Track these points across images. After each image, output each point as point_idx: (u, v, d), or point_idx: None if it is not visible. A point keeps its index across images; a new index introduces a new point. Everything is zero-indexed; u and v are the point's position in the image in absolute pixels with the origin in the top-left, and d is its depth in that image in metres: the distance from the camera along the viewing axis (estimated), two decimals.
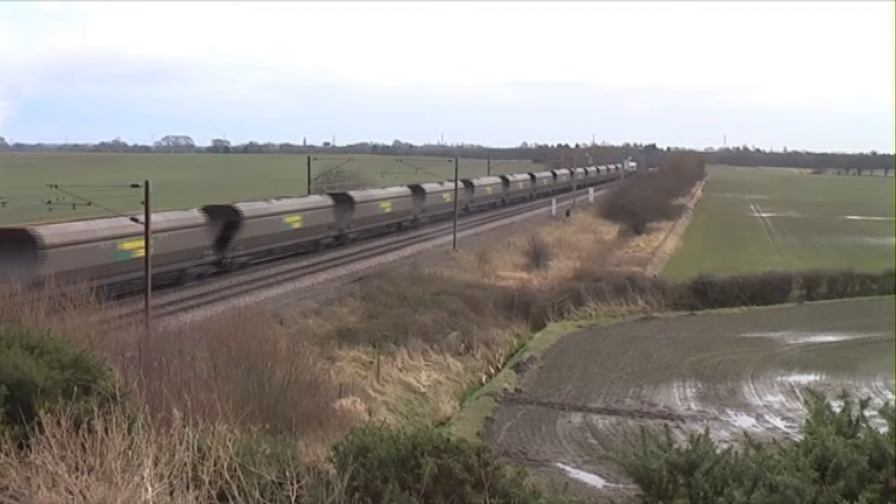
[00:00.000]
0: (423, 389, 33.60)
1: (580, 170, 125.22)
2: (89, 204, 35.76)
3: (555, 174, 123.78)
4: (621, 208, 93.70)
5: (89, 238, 37.96)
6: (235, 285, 44.41)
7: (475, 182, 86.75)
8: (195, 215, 46.46)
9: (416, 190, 73.40)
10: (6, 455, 8.33)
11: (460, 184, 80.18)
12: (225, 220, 48.54)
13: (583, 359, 38.91)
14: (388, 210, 66.76)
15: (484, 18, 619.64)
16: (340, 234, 59.68)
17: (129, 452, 8.13)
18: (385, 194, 68.43)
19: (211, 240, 46.55)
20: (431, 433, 9.65)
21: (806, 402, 11.46)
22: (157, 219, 41.01)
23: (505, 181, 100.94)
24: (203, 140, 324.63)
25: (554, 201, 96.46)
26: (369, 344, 36.03)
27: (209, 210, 47.66)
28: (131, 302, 34.02)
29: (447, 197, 77.33)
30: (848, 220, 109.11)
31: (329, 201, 59.10)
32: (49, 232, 36.18)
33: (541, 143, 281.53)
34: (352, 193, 63.32)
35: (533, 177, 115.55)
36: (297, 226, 54.23)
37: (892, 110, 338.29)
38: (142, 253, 38.41)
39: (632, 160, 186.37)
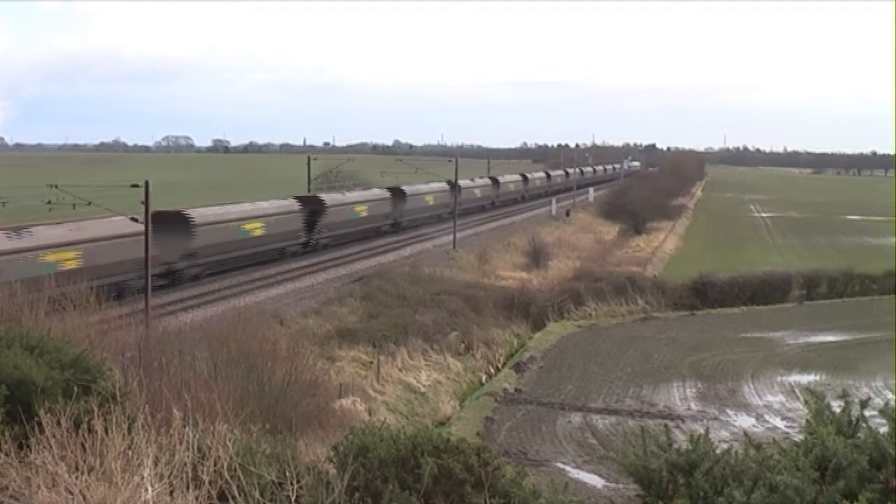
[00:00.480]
0: (423, 389, 33.60)
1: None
2: (89, 204, 35.75)
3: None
4: (621, 208, 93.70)
5: (223, 219, 46.18)
6: (235, 285, 44.39)
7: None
8: (292, 203, 53.72)
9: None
10: (6, 455, 8.33)
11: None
12: (311, 207, 55.05)
13: (583, 359, 38.91)
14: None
15: (484, 18, 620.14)
16: (395, 222, 67.05)
17: (129, 452, 8.13)
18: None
19: (302, 224, 53.28)
20: (431, 433, 9.65)
21: (806, 402, 11.46)
22: (265, 205, 51.39)
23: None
24: (203, 140, 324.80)
25: (554, 201, 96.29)
26: (369, 344, 36.02)
27: (300, 199, 55.11)
28: (131, 302, 34.05)
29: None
30: (848, 220, 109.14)
31: (387, 194, 65.94)
32: (197, 214, 44.56)
33: (541, 143, 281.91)
34: (404, 188, 67.93)
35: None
36: (364, 214, 62.51)
37: (892, 110, 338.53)
38: (259, 232, 49.03)
39: (632, 160, 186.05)
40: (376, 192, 67.53)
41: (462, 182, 77.57)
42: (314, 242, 55.93)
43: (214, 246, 45.44)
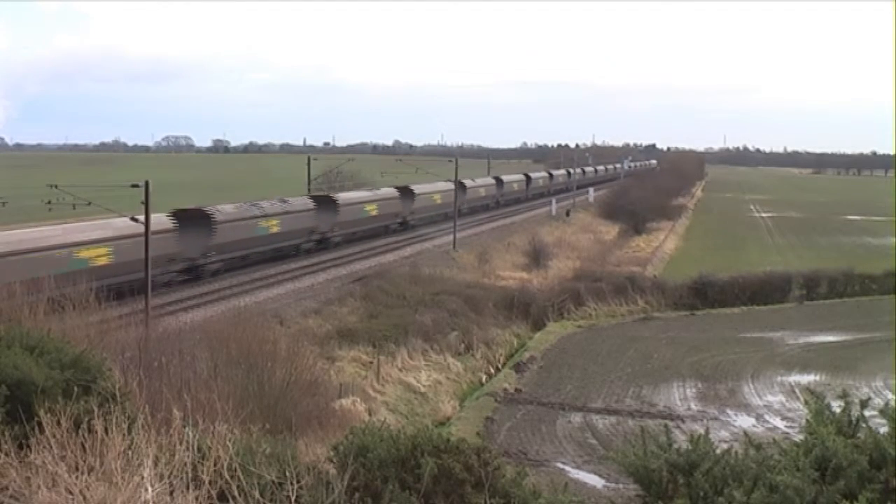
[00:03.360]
0: (423, 389, 33.59)
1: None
2: (89, 204, 35.76)
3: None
4: (621, 208, 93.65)
5: (242, 217, 48.94)
6: (236, 285, 44.41)
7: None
8: (307, 201, 56.94)
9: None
10: (6, 455, 8.32)
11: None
12: (325, 206, 57.54)
13: (583, 359, 38.90)
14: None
15: (484, 18, 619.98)
16: (404, 221, 68.80)
17: (129, 452, 8.12)
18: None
19: (317, 221, 56.05)
20: (431, 433, 9.64)
21: (806, 402, 11.45)
22: (282, 203, 54.05)
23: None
24: (203, 140, 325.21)
25: (554, 201, 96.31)
26: (369, 344, 36.01)
27: (315, 198, 58.18)
28: (131, 302, 34.04)
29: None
30: (848, 220, 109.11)
31: (396, 193, 67.67)
32: (217, 211, 47.29)
33: (541, 143, 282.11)
34: (413, 187, 69.76)
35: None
36: (374, 213, 64.76)
37: (892, 110, 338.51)
38: (276, 229, 51.95)
39: (631, 160, 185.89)
40: (386, 192, 68.78)
41: (467, 182, 79.75)
42: (327, 239, 58.17)
43: (234, 242, 47.64)
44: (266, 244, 51.37)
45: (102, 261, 38.24)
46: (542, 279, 55.64)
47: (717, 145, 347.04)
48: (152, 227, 37.24)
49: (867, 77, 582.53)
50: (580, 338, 43.55)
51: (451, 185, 77.12)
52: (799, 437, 10.98)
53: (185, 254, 44.07)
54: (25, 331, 11.20)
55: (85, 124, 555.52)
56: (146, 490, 7.64)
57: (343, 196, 62.49)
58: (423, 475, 8.74)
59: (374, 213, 65.04)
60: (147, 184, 32.85)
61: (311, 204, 57.15)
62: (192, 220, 45.43)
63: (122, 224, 39.17)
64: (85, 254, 37.53)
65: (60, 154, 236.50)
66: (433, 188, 75.89)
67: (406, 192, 70.84)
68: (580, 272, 56.81)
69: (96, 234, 39.02)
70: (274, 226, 51.85)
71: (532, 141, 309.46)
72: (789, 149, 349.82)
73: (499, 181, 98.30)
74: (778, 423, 29.60)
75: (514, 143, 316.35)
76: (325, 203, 58.19)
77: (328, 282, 47.87)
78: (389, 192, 69.18)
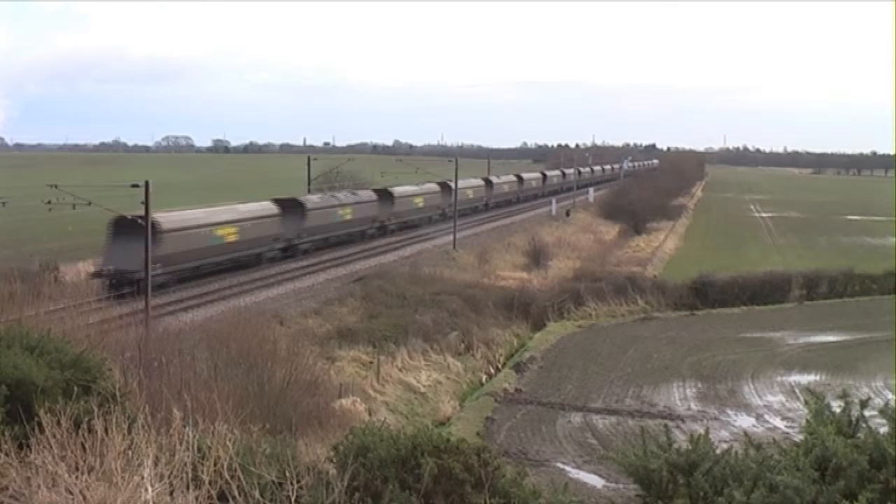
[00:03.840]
0: (423, 389, 33.58)
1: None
2: (89, 204, 35.72)
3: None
4: (621, 208, 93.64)
5: (326, 206, 58.15)
6: (235, 285, 44.39)
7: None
8: (371, 194, 65.71)
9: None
10: (6, 455, 8.32)
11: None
12: (383, 198, 66.15)
13: (583, 359, 38.90)
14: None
15: (484, 18, 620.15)
16: (382, 225, 68.18)
17: (129, 452, 8.12)
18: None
19: (378, 212, 64.69)
20: (431, 433, 9.64)
21: (806, 402, 11.43)
22: (343, 197, 61.99)
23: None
24: (203, 140, 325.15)
25: (554, 201, 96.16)
26: (369, 344, 36.00)
27: (376, 191, 66.76)
28: (131, 302, 34.06)
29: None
30: (848, 220, 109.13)
31: (374, 196, 67.57)
32: (308, 200, 56.74)
33: (541, 143, 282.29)
34: (392, 189, 69.66)
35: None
36: (421, 205, 73.48)
37: (892, 110, 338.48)
38: (349, 217, 60.71)
39: (631, 160, 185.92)
40: (362, 195, 65.14)
41: (453, 183, 73.75)
42: (385, 227, 65.88)
43: (319, 227, 56.18)
44: (341, 229, 59.67)
45: (232, 238, 46.85)
46: (542, 279, 55.63)
47: (717, 145, 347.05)
48: (263, 212, 51.35)
49: (867, 77, 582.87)
50: (580, 338, 43.55)
51: (436, 187, 76.35)
52: (799, 437, 10.96)
53: (285, 235, 52.46)
54: (25, 331, 11.20)
55: (85, 124, 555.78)
56: (146, 490, 7.64)
57: (398, 189, 70.50)
58: (423, 475, 8.74)
59: (349, 217, 61.55)
60: (147, 184, 32.86)
61: (374, 196, 65.39)
62: (290, 207, 53.52)
63: (244, 209, 49.56)
64: (220, 232, 46.13)
65: (60, 154, 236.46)
66: (415, 190, 72.94)
67: (385, 196, 67.29)
68: (580, 272, 56.80)
69: (226, 216, 47.60)
70: (348, 214, 60.38)
71: (532, 141, 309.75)
72: (789, 149, 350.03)
73: (488, 182, 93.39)
74: (778, 423, 29.62)
75: (514, 143, 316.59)
76: (384, 196, 66.80)
77: (328, 282, 47.87)
78: (366, 195, 65.60)
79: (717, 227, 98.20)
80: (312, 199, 57.46)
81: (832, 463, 9.20)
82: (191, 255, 43.22)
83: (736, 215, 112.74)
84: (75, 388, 9.44)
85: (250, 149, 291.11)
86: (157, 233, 39.53)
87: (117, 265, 39.28)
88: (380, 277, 48.06)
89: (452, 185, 72.02)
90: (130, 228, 36.80)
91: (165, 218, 42.11)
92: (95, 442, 8.15)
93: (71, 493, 7.69)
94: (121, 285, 38.13)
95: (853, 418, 10.41)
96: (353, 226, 61.90)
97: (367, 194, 65.79)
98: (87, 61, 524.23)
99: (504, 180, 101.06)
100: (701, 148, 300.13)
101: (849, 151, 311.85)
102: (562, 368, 37.32)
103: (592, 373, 36.55)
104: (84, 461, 8.01)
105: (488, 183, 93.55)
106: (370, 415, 27.38)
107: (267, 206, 52.33)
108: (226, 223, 47.39)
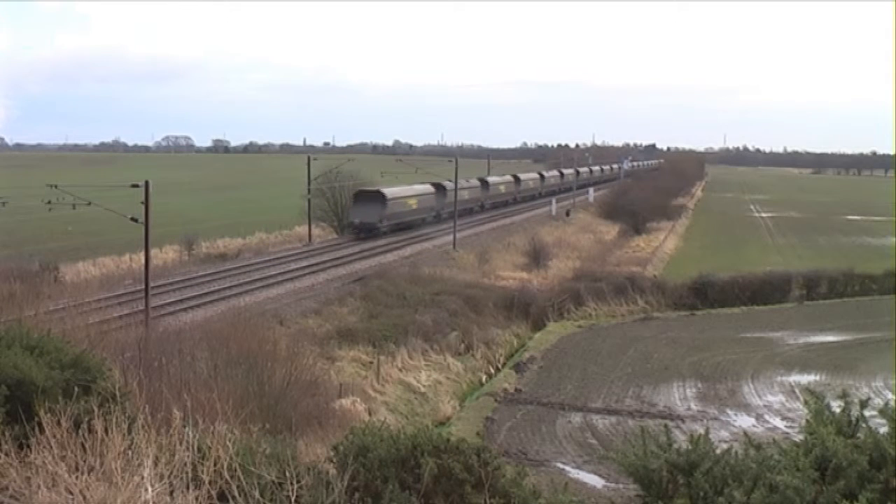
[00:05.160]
0: (423, 389, 33.59)
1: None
2: (89, 204, 35.75)
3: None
4: (621, 208, 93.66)
5: (468, 186, 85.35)
6: (236, 285, 44.43)
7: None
8: (476, 182, 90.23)
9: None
10: (6, 455, 8.31)
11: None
12: (483, 183, 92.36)
13: (583, 359, 38.90)
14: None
15: (484, 19, 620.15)
16: (482, 205, 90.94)
17: (129, 452, 8.11)
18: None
19: (479, 193, 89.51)
20: (431, 433, 9.64)
21: (806, 402, 11.41)
22: (464, 183, 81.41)
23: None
24: (203, 140, 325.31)
25: (554, 201, 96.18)
26: (369, 344, 36.02)
27: (479, 179, 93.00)
28: (131, 302, 34.05)
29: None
30: (848, 220, 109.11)
31: (476, 182, 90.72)
32: (448, 184, 75.21)
33: (541, 143, 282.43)
34: (384, 190, 69.93)
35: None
36: (503, 190, 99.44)
37: (892, 110, 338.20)
38: (465, 197, 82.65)
39: (631, 160, 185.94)
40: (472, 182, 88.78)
41: (447, 184, 75.63)
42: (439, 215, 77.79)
43: (498, 195, 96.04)
44: (500, 198, 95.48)
45: (414, 206, 72.53)
46: (542, 279, 55.64)
47: (717, 145, 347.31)
48: (427, 191, 76.51)
49: (867, 77, 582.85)
50: (580, 338, 43.54)
51: (431, 189, 76.89)
52: (799, 437, 10.96)
53: (436, 209, 76.47)
54: (25, 331, 11.19)
55: (85, 124, 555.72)
56: (146, 490, 7.63)
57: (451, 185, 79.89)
58: (423, 475, 8.74)
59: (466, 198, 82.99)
60: (147, 184, 32.85)
61: (431, 189, 77.53)
62: (439, 189, 77.03)
63: (419, 188, 75.58)
64: (410, 202, 72.05)
65: (60, 154, 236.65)
66: (407, 192, 72.57)
67: (374, 196, 66.97)
68: (580, 272, 56.82)
69: (411, 192, 73.40)
70: (503, 187, 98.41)
71: (532, 141, 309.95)
72: (789, 149, 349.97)
73: (484, 183, 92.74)
74: (778, 423, 29.60)
75: (514, 143, 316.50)
76: (440, 189, 77.91)
77: (328, 282, 47.88)
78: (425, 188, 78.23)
79: (717, 227, 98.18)
80: (450, 185, 75.52)
81: (832, 463, 9.20)
82: (398, 216, 68.79)
83: (736, 215, 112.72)
84: (75, 388, 9.42)
85: (250, 149, 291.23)
86: (385, 199, 66.59)
87: (361, 220, 65.43)
88: (380, 277, 48.06)
89: (445, 185, 77.20)
90: (366, 197, 66.18)
91: (388, 191, 68.00)
92: (95, 442, 8.15)
93: (71, 493, 7.69)
94: (362, 231, 65.08)
95: (853, 418, 10.40)
96: (468, 203, 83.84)
97: (473, 182, 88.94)
98: (88, 61, 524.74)
99: (500, 181, 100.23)
100: (701, 148, 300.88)
101: (849, 151, 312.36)
102: (562, 368, 37.32)
103: (592, 373, 36.54)
104: (84, 461, 8.00)
105: (484, 183, 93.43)
106: (370, 415, 27.38)
107: (428, 188, 77.12)
108: (412, 196, 73.02)
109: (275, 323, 34.43)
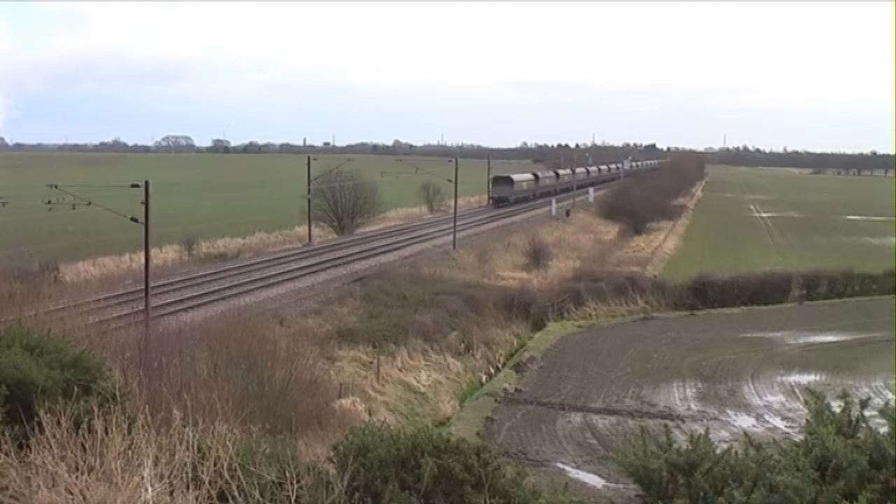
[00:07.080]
0: (423, 389, 33.61)
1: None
2: (89, 204, 35.77)
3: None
4: (621, 208, 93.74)
5: (544, 176, 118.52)
6: (236, 285, 44.43)
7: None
8: (551, 173, 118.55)
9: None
10: (6, 455, 8.31)
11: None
12: (554, 173, 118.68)
13: (583, 359, 38.90)
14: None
15: (484, 18, 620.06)
16: (535, 194, 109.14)
17: (129, 452, 8.11)
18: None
19: (533, 185, 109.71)
20: (431, 433, 9.63)
21: (806, 402, 11.42)
22: (527, 176, 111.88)
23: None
24: (203, 140, 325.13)
25: (554, 201, 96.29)
26: (369, 344, 36.02)
27: (532, 173, 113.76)
28: (130, 302, 34.05)
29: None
30: (848, 220, 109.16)
31: (531, 176, 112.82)
32: (518, 178, 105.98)
33: (541, 143, 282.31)
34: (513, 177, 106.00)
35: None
36: (548, 183, 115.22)
37: (892, 110, 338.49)
38: (547, 183, 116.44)
39: (632, 160, 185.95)
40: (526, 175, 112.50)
41: (515, 176, 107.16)
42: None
43: (542, 187, 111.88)
44: (541, 191, 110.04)
45: (526, 187, 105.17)
46: (542, 279, 55.67)
47: (717, 145, 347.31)
48: (529, 178, 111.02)
49: (867, 77, 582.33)
50: (580, 338, 43.56)
51: (531, 176, 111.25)
52: (799, 437, 10.95)
53: (534, 191, 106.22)
54: (25, 331, 11.19)
55: (85, 124, 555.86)
56: (146, 490, 7.63)
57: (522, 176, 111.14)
58: (423, 475, 8.73)
59: (547, 184, 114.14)
60: (147, 184, 32.86)
61: (531, 176, 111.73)
62: (535, 177, 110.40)
63: (527, 175, 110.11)
64: (524, 185, 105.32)
65: (60, 154, 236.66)
66: (523, 177, 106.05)
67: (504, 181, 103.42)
68: (580, 272, 56.85)
69: (525, 177, 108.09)
70: (548, 179, 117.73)
71: (532, 141, 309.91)
72: (789, 149, 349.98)
73: (535, 176, 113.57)
74: (778, 423, 29.61)
75: (514, 143, 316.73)
76: (535, 177, 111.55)
77: (328, 282, 47.88)
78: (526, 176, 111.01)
79: (717, 227, 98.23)
80: (541, 175, 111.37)
81: (832, 463, 9.20)
82: (518, 192, 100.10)
83: (736, 215, 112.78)
84: (75, 388, 9.41)
85: (250, 149, 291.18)
86: (513, 182, 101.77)
87: (498, 195, 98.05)
88: (380, 277, 48.07)
89: (514, 177, 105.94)
90: (502, 180, 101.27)
91: (515, 177, 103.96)
92: (95, 442, 8.15)
93: (71, 493, 7.69)
94: (499, 203, 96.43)
95: (853, 418, 10.40)
96: (543, 190, 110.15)
97: (529, 175, 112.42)
98: (88, 61, 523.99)
99: (546, 175, 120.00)
100: (701, 148, 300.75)
101: (849, 151, 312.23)
102: (562, 368, 37.33)
103: (592, 373, 36.55)
104: (84, 461, 8.00)
105: (535, 177, 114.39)
106: (370, 415, 27.40)
107: (530, 176, 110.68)
108: (525, 181, 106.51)
109: (275, 323, 34.44)
